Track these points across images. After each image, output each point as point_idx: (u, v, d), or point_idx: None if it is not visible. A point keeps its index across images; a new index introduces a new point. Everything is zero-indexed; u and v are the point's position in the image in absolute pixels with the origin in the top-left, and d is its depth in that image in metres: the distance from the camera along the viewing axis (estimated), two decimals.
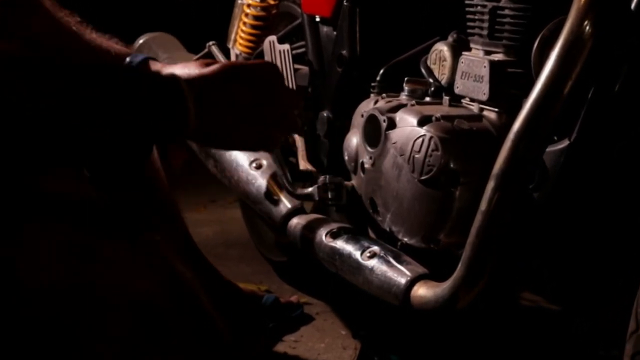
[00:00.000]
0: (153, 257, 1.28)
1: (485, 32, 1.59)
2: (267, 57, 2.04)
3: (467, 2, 1.63)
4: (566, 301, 2.01)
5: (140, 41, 2.44)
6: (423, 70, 1.72)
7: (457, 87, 1.64)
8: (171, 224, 1.81)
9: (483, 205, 1.42)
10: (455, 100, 1.66)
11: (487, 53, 1.59)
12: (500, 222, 1.42)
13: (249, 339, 1.93)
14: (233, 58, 2.49)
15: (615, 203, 1.48)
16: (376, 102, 1.75)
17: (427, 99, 1.70)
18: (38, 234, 1.20)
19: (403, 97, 1.72)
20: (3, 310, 1.17)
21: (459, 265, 1.47)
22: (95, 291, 1.20)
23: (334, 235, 1.76)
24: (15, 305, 1.17)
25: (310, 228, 1.84)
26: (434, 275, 1.57)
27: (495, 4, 1.56)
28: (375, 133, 1.69)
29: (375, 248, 1.66)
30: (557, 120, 1.38)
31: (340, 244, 1.73)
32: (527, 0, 1.52)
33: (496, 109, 1.57)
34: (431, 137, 1.55)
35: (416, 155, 1.57)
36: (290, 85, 2.00)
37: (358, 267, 1.66)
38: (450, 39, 1.69)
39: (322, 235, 1.78)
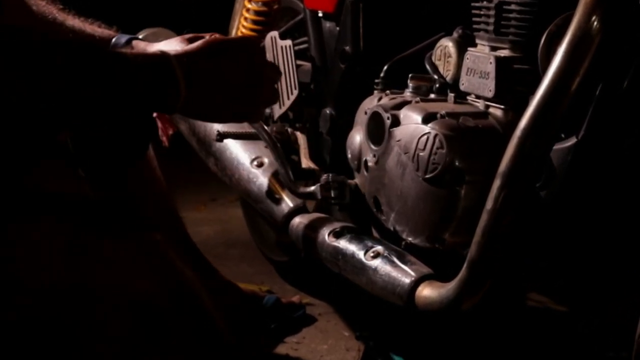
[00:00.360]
0: (153, 256, 1.28)
1: (491, 28, 1.58)
2: (269, 53, 2.03)
3: None
4: (574, 302, 2.00)
5: (140, 36, 2.42)
6: (428, 67, 1.71)
7: (463, 84, 1.63)
8: (169, 223, 1.80)
9: (489, 204, 1.41)
10: (461, 97, 1.65)
11: (493, 49, 1.58)
12: (506, 221, 1.41)
13: (249, 340, 1.92)
14: None
15: (624, 201, 1.47)
16: (380, 99, 1.74)
17: (432, 95, 1.69)
18: (38, 234, 1.20)
19: (407, 93, 1.71)
20: (3, 310, 1.17)
21: (465, 265, 1.46)
22: (95, 291, 1.20)
23: (337, 234, 1.75)
24: (15, 305, 1.17)
25: (313, 227, 1.84)
26: (439, 275, 1.56)
27: None
28: (378, 131, 1.68)
29: (379, 248, 1.66)
30: (565, 117, 1.37)
31: (343, 243, 1.72)
32: None
33: (502, 106, 1.56)
34: (436, 135, 1.54)
35: (421, 153, 1.56)
36: (292, 82, 1.99)
37: (361, 267, 1.66)
38: (455, 34, 1.68)
39: (325, 234, 1.77)
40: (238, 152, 2.08)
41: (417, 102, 1.65)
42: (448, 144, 1.52)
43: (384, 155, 1.66)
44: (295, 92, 2.00)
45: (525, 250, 1.51)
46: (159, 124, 1.72)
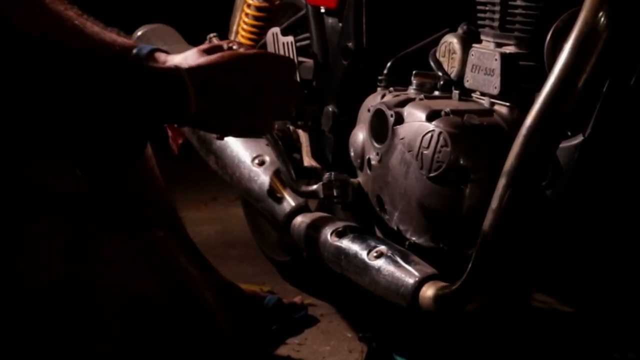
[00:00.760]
0: (155, 255, 1.28)
1: (496, 24, 1.57)
2: (271, 50, 2.02)
3: None
4: (579, 301, 2.00)
5: (139, 33, 2.42)
6: (432, 63, 1.70)
7: (467, 81, 1.62)
8: (169, 223, 1.80)
9: (494, 203, 1.40)
10: (465, 94, 1.64)
11: (499, 45, 1.58)
12: (511, 220, 1.40)
13: (250, 340, 1.91)
14: None
15: (631, 200, 1.46)
16: (383, 96, 1.73)
17: (436, 93, 1.68)
18: (37, 234, 1.20)
19: (411, 91, 1.71)
20: (2, 310, 1.16)
21: (469, 265, 1.45)
22: (94, 291, 1.20)
23: (340, 234, 1.75)
24: (15, 305, 1.17)
25: (315, 227, 1.83)
26: (443, 275, 1.55)
27: None
28: (382, 128, 1.67)
29: (382, 247, 1.65)
30: (571, 114, 1.36)
31: (345, 243, 1.71)
32: None
33: (508, 104, 1.55)
34: (440, 133, 1.53)
35: (425, 152, 1.55)
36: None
37: (364, 267, 1.65)
38: (460, 30, 1.68)
39: (327, 234, 1.76)
40: (239, 150, 2.08)
41: (421, 99, 1.64)
42: (452, 142, 1.51)
43: (388, 154, 1.65)
44: None
45: (531, 249, 1.50)
46: (169, 133, 1.72)
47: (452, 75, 1.66)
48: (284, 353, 2.07)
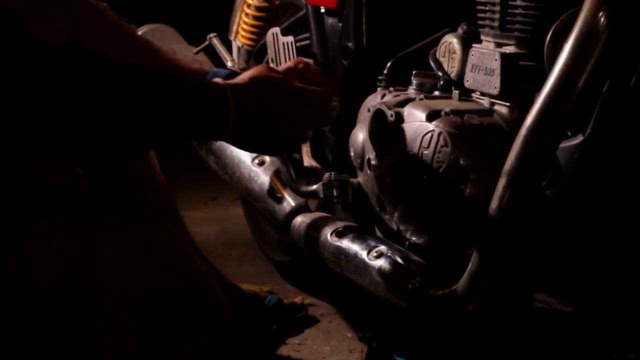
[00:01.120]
0: (168, 249, 1.28)
1: (496, 24, 1.57)
2: (271, 50, 2.02)
3: None
4: (579, 301, 1.99)
5: (139, 33, 2.42)
6: (432, 63, 1.70)
7: (467, 81, 1.62)
8: (170, 222, 1.79)
9: (494, 203, 1.40)
10: (465, 94, 1.64)
11: (499, 45, 1.57)
12: (511, 220, 1.40)
13: (250, 340, 1.91)
14: (235, 50, 2.48)
15: (631, 200, 1.45)
16: (383, 96, 1.73)
17: (436, 93, 1.68)
18: (37, 233, 1.19)
19: (411, 91, 1.70)
20: (3, 310, 1.16)
21: (469, 265, 1.45)
22: (96, 289, 1.19)
23: (340, 234, 1.75)
24: (16, 304, 1.16)
25: (315, 227, 1.83)
26: (444, 275, 1.54)
27: None
28: (382, 128, 1.65)
29: (382, 247, 1.65)
30: (571, 114, 1.36)
31: (346, 243, 1.71)
32: None
33: (508, 104, 1.55)
34: (440, 133, 1.52)
35: (425, 151, 1.54)
36: None
37: (364, 267, 1.65)
38: (460, 30, 1.67)
39: (327, 234, 1.76)
40: (239, 150, 2.06)
41: (421, 99, 1.64)
42: (452, 142, 1.51)
43: (388, 154, 1.64)
44: None
45: (531, 249, 1.50)
46: None
47: (452, 75, 1.66)
48: (284, 353, 2.07)
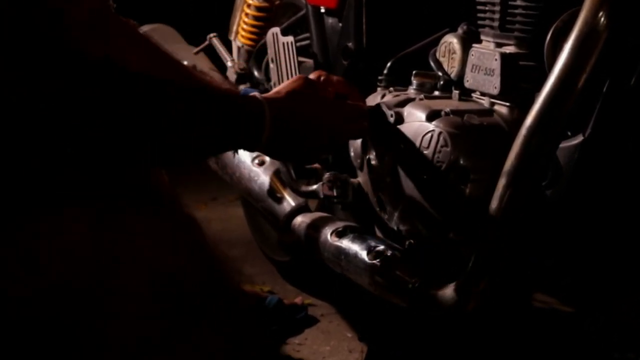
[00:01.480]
0: (186, 234, 1.29)
1: (496, 24, 1.57)
2: (271, 50, 2.02)
3: None
4: (579, 301, 1.99)
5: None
6: (432, 63, 1.70)
7: (467, 81, 1.61)
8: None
9: (494, 203, 1.40)
10: (465, 94, 1.64)
11: (499, 45, 1.57)
12: (511, 220, 1.40)
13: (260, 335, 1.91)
14: (235, 51, 2.47)
15: (631, 200, 1.45)
16: (383, 96, 1.72)
17: (436, 93, 1.68)
18: (61, 221, 1.18)
19: (411, 91, 1.70)
20: (25, 296, 1.15)
21: (470, 265, 1.45)
22: (113, 269, 1.19)
23: (340, 234, 1.74)
24: (37, 291, 1.15)
25: (315, 227, 1.82)
26: (443, 275, 1.54)
27: None
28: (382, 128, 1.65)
29: (382, 247, 1.64)
30: (571, 114, 1.35)
31: (346, 243, 1.71)
32: None
33: (508, 104, 1.55)
34: (440, 133, 1.52)
35: (425, 152, 1.54)
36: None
37: (364, 267, 1.64)
38: (460, 30, 1.67)
39: (327, 234, 1.76)
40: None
41: (421, 99, 1.64)
42: (452, 142, 1.51)
43: (388, 154, 1.64)
44: None
45: (531, 249, 1.49)
46: None
47: (452, 75, 1.66)
48: (284, 353, 2.07)
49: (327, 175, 1.80)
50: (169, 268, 1.22)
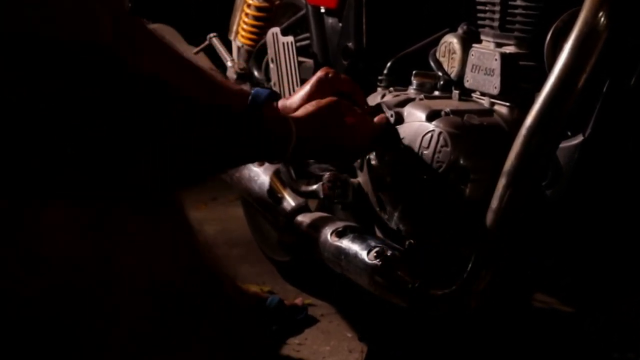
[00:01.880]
0: (181, 238, 1.28)
1: (496, 24, 1.57)
2: (270, 50, 2.02)
3: None
4: (579, 301, 1.99)
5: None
6: (432, 63, 1.70)
7: (467, 81, 1.61)
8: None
9: (494, 203, 1.40)
10: (465, 94, 1.64)
11: (499, 45, 1.57)
12: (511, 220, 1.41)
13: (255, 338, 1.91)
14: (235, 50, 2.47)
15: (631, 200, 1.45)
16: (383, 96, 1.73)
17: (436, 93, 1.68)
18: (61, 212, 1.17)
19: (411, 91, 1.70)
20: (23, 289, 1.14)
21: (470, 265, 1.45)
22: (115, 272, 1.18)
23: (340, 234, 1.73)
24: (35, 286, 1.15)
25: (315, 227, 1.82)
26: (444, 275, 1.54)
27: None
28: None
29: (382, 247, 1.63)
30: (571, 114, 1.36)
31: (346, 243, 1.70)
32: None
33: (508, 104, 1.55)
34: (440, 133, 1.52)
35: (425, 151, 1.54)
36: (294, 80, 1.98)
37: (364, 267, 1.63)
38: (460, 30, 1.67)
39: (327, 234, 1.75)
40: None
41: (421, 99, 1.64)
42: (452, 142, 1.51)
43: (388, 154, 1.64)
44: None
45: (531, 249, 1.49)
46: None
47: (452, 75, 1.66)
48: (284, 353, 2.06)
49: (327, 175, 1.79)
50: (167, 268, 1.22)
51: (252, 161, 1.54)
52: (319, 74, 1.61)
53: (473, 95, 1.62)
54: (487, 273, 1.43)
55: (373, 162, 1.68)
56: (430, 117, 1.55)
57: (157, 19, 2.26)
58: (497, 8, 1.55)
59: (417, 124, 1.57)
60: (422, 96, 1.65)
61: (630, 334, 1.65)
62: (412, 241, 1.63)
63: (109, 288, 1.17)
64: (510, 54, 1.53)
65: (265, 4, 2.38)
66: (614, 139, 1.41)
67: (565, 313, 2.17)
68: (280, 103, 1.63)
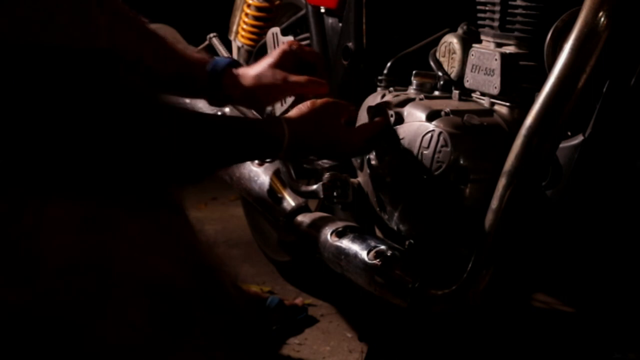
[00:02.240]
0: (178, 236, 1.29)
1: (496, 24, 1.57)
2: (271, 50, 2.01)
3: None
4: (579, 302, 1.99)
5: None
6: (432, 63, 1.70)
7: (467, 81, 1.61)
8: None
9: (494, 203, 1.41)
10: (466, 94, 1.64)
11: (499, 45, 1.57)
12: (511, 220, 1.41)
13: (255, 338, 1.91)
14: (235, 50, 2.47)
15: (631, 200, 1.44)
16: (383, 96, 1.72)
17: (436, 93, 1.68)
18: (56, 210, 1.17)
19: (411, 91, 1.70)
20: (18, 287, 1.15)
21: (469, 265, 1.45)
22: (111, 271, 1.17)
23: (340, 234, 1.73)
24: (31, 282, 1.15)
25: (315, 227, 1.82)
26: (443, 275, 1.54)
27: None
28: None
29: (382, 247, 1.63)
30: (571, 115, 1.36)
31: (346, 243, 1.70)
32: None
33: (508, 104, 1.55)
34: (440, 133, 1.52)
35: (425, 152, 1.54)
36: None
37: (364, 267, 1.63)
38: (460, 30, 1.67)
39: (327, 234, 1.75)
40: None
41: (421, 99, 1.63)
42: (452, 142, 1.50)
43: (388, 154, 1.64)
44: None
45: (531, 249, 1.49)
46: None
47: (452, 75, 1.66)
48: (284, 353, 2.06)
49: (327, 175, 1.79)
50: (167, 268, 1.22)
51: (247, 160, 1.62)
52: (283, 46, 1.68)
53: (473, 95, 1.62)
54: (487, 273, 1.43)
55: (373, 162, 1.68)
56: (430, 117, 1.55)
57: (157, 19, 2.26)
58: (497, 8, 1.55)
59: (417, 124, 1.57)
60: (422, 96, 1.65)
61: (630, 334, 1.65)
62: (412, 241, 1.63)
63: (109, 288, 1.17)
64: (510, 54, 1.53)
65: (265, 4, 2.38)
66: (614, 139, 1.41)
67: (565, 313, 2.17)
68: (241, 70, 1.68)
